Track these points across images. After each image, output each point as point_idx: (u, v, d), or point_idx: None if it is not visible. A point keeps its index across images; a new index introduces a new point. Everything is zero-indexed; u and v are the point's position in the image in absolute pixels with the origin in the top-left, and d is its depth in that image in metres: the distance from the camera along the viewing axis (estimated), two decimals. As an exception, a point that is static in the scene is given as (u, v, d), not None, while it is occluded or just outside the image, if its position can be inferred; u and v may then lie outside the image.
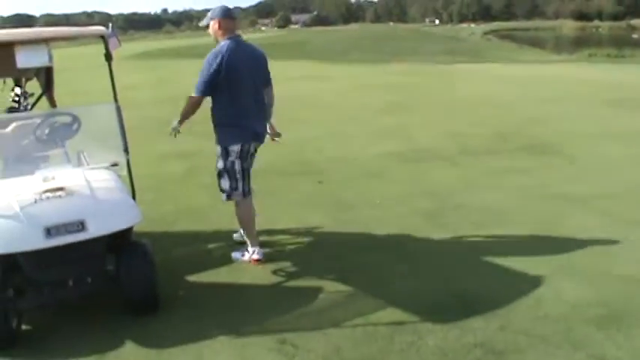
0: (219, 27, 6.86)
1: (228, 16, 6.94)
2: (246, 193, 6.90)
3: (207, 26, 6.99)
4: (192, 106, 6.91)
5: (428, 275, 6.49)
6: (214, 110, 6.93)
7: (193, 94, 6.82)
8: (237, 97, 6.76)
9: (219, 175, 6.93)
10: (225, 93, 6.73)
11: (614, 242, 7.19)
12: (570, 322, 5.40)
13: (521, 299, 5.82)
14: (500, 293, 5.97)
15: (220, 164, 6.90)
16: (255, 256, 6.86)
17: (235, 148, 6.79)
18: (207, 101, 6.84)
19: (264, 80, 7.11)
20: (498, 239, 7.43)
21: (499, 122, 15.09)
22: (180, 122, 6.99)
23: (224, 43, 6.78)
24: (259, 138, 7.03)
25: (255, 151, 7.06)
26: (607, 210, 8.35)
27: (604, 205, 8.53)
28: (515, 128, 14.28)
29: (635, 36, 77.66)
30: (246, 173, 6.88)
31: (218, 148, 6.93)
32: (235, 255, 7.05)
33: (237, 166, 6.82)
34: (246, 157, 6.87)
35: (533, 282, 6.17)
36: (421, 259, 6.94)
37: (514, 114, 16.38)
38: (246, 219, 6.97)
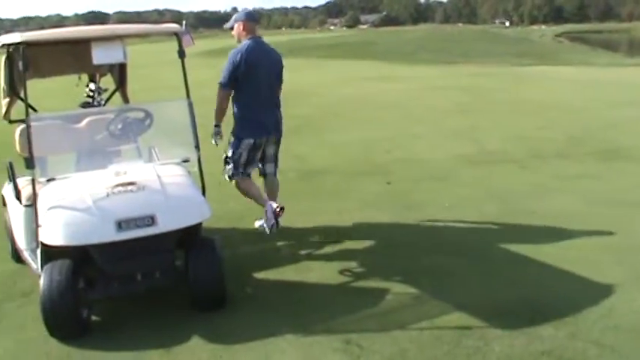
0: (243, 29, 7.61)
1: (251, 19, 7.75)
2: (246, 174, 7.69)
3: (232, 28, 7.73)
4: (220, 101, 7.66)
5: (496, 280, 6.39)
6: (234, 104, 7.66)
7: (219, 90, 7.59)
8: (254, 93, 7.50)
9: (226, 161, 7.67)
10: (244, 88, 7.48)
11: (689, 252, 7.00)
12: (643, 334, 5.28)
13: (591, 308, 5.69)
14: (570, 301, 5.84)
15: (230, 152, 7.62)
16: (273, 207, 7.41)
17: (247, 142, 7.53)
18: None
19: (278, 80, 7.86)
20: (568, 245, 7.26)
21: (570, 126, 14.84)
22: (218, 120, 7.67)
23: (245, 42, 7.50)
24: (271, 132, 7.71)
25: (276, 142, 7.88)
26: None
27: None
28: (587, 132, 14.03)
29: None
30: (250, 161, 7.64)
31: (232, 138, 7.65)
32: (258, 223, 7.74)
33: (244, 158, 7.58)
34: (255, 149, 7.61)
35: (605, 291, 6.02)
36: (489, 263, 6.85)
37: (585, 118, 16.06)
38: (249, 191, 7.73)
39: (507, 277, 6.45)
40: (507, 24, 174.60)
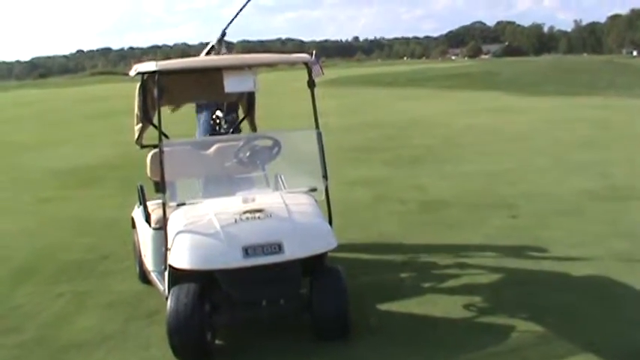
0: None
1: None
2: None
3: None
4: None
5: (626, 321, 6.15)
6: None
7: None
8: None
9: None
10: None
11: None
12: None
13: None
14: None
15: None
16: None
17: None
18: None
19: None
20: None
21: None
22: None
23: None
24: None
25: None
26: None
27: None
28: None
29: None
30: None
31: None
32: None
33: None
34: None
35: None
36: (618, 303, 6.61)
37: None
38: None
39: (636, 318, 6.20)
40: (635, 54, 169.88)
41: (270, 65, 8.22)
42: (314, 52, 6.77)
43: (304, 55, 6.70)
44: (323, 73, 6.75)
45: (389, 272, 7.63)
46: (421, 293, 6.94)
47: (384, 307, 6.65)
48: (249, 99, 8.10)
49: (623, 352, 5.54)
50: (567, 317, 6.26)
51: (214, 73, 6.59)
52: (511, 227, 9.34)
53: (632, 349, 5.58)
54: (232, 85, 6.29)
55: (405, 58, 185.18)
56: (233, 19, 8.14)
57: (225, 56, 6.92)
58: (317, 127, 6.46)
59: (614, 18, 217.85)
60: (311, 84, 6.46)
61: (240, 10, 8.28)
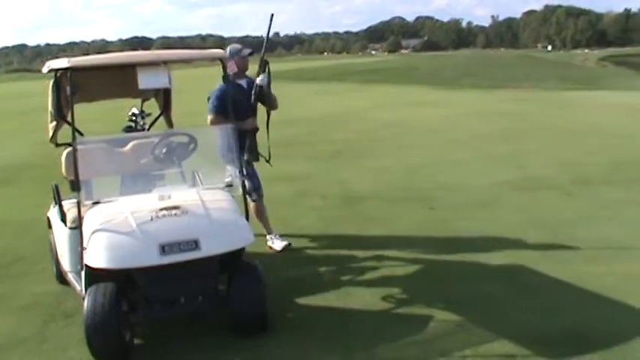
0: None
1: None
2: None
3: None
4: None
5: (541, 308, 6.30)
6: None
7: None
8: None
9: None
10: None
11: None
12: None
13: (639, 337, 5.58)
14: (616, 330, 5.74)
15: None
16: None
17: None
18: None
19: None
20: (614, 273, 7.12)
21: (615, 151, 14.65)
22: None
23: None
24: None
25: None
26: None
27: None
28: (633, 158, 13.80)
29: None
30: None
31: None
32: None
33: None
34: None
35: (653, 319, 5.91)
36: (533, 290, 6.77)
37: (631, 143, 15.83)
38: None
39: (552, 306, 6.35)
40: (549, 48, 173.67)
41: (185, 61, 8.15)
42: (228, 48, 6.76)
43: (218, 51, 6.69)
44: (237, 69, 6.73)
45: (308, 266, 7.66)
46: (340, 286, 6.98)
47: (303, 301, 6.67)
48: (165, 96, 8.02)
49: (538, 338, 5.64)
50: (484, 306, 6.37)
51: (129, 70, 6.50)
52: (429, 219, 9.46)
53: (546, 336, 5.70)
54: (146, 81, 6.23)
55: (326, 53, 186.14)
56: (266, 45, 7.95)
57: (139, 52, 6.84)
58: (232, 122, 6.45)
59: (530, 14, 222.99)
60: (226, 79, 6.45)
61: (268, 33, 8.23)
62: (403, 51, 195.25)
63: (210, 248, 5.44)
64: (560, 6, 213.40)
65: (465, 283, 6.95)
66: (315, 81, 44.72)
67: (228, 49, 7.88)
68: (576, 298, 6.57)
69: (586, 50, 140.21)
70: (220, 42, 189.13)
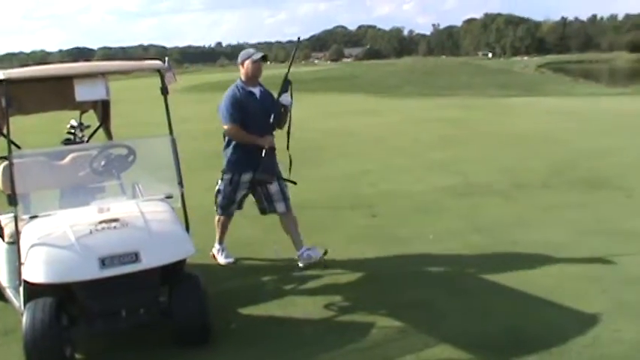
0: None
1: None
2: None
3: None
4: None
5: (481, 311, 6.40)
6: None
7: None
8: None
9: None
10: None
11: (674, 281, 7.04)
12: (629, 363, 5.29)
13: (576, 338, 5.70)
14: (555, 331, 5.86)
15: None
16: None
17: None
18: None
19: None
20: (553, 276, 7.28)
21: (554, 156, 14.93)
22: None
23: None
24: None
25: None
26: (666, 246, 8.18)
27: (664, 242, 8.36)
28: (571, 162, 14.10)
29: None
30: None
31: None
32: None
33: None
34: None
35: (590, 320, 6.04)
36: (474, 295, 6.86)
37: (569, 148, 16.17)
38: None
39: (492, 309, 6.46)
40: (490, 55, 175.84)
41: (123, 73, 8.06)
42: (167, 58, 6.72)
43: (157, 62, 6.63)
44: (176, 80, 6.69)
45: (250, 276, 7.64)
46: (282, 296, 6.99)
47: (245, 311, 6.67)
48: (104, 107, 7.95)
49: (478, 341, 5.74)
50: (425, 311, 6.44)
51: (67, 82, 6.43)
52: (371, 226, 9.52)
53: (486, 338, 5.79)
54: (83, 93, 6.19)
55: (269, 63, 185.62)
56: (290, 65, 8.16)
57: (76, 64, 6.78)
58: (171, 133, 6.42)
59: (470, 22, 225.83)
60: (164, 91, 6.42)
61: (294, 54, 8.55)
62: (346, 59, 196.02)
63: (150, 260, 5.41)
64: (499, 14, 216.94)
65: (406, 289, 7.01)
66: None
67: (240, 53, 8.10)
68: (515, 300, 6.69)
69: (525, 57, 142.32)
70: (162, 52, 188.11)
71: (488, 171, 13.46)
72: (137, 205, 6.00)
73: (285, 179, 8.08)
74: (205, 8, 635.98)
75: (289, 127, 8.08)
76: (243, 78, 7.89)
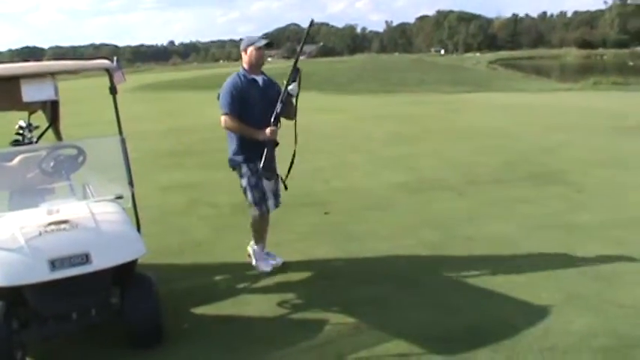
0: None
1: None
2: None
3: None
4: None
5: (434, 307, 6.45)
6: None
7: None
8: None
9: None
10: None
11: (621, 271, 7.19)
12: (578, 353, 5.38)
13: (528, 330, 5.79)
14: (508, 324, 5.93)
15: None
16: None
17: None
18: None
19: None
20: (505, 270, 7.35)
21: (505, 151, 15.10)
22: None
23: None
24: None
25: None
26: (614, 238, 8.33)
27: (611, 234, 8.52)
28: (522, 157, 14.29)
29: (630, 63, 79.46)
30: None
31: None
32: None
33: None
34: None
35: (541, 313, 6.14)
36: (427, 290, 6.90)
37: (520, 143, 16.38)
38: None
39: (445, 304, 6.51)
40: (442, 52, 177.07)
41: (71, 72, 7.96)
42: (116, 58, 6.66)
43: (105, 62, 6.57)
44: (125, 80, 6.62)
45: (203, 276, 7.61)
46: (235, 295, 6.97)
47: (199, 311, 6.64)
48: (53, 108, 7.86)
49: (432, 336, 5.78)
50: (379, 307, 6.47)
51: (14, 82, 6.34)
52: (324, 224, 9.54)
53: (440, 333, 5.84)
54: (31, 93, 6.10)
55: (222, 61, 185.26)
56: (299, 52, 7.93)
57: (23, 64, 6.66)
58: (120, 133, 6.37)
59: (423, 19, 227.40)
60: (113, 90, 6.37)
61: (305, 39, 8.21)
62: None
63: (101, 262, 5.35)
64: (452, 11, 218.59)
65: (360, 286, 7.02)
66: (210, 89, 44.28)
67: (243, 40, 7.61)
68: (468, 294, 6.77)
69: (477, 54, 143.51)
70: (114, 51, 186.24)
71: (441, 167, 13.57)
72: (87, 206, 5.94)
73: (281, 178, 7.78)
74: (158, 7, 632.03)
75: (295, 120, 7.79)
76: (245, 66, 7.52)
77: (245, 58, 7.51)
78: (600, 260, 7.53)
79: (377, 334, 5.88)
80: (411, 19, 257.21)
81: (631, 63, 79.96)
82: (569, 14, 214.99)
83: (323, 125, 21.33)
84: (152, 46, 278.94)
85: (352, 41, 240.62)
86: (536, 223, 9.11)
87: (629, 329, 5.76)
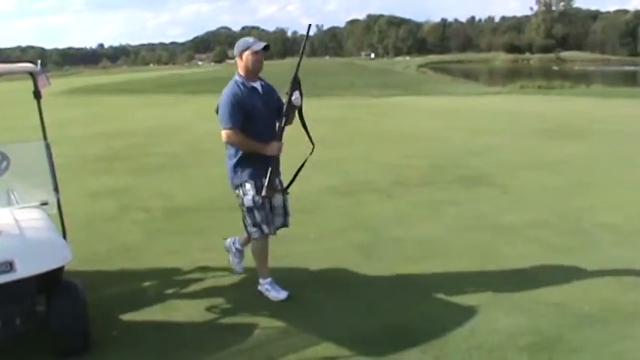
0: None
1: None
2: None
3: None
4: None
5: (362, 309, 6.50)
6: None
7: None
8: None
9: None
10: None
11: (545, 270, 7.38)
12: (504, 351, 5.49)
13: (455, 330, 5.89)
14: (435, 325, 6.02)
15: None
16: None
17: None
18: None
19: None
20: (433, 271, 7.47)
21: (433, 154, 15.31)
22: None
23: None
24: None
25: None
26: (539, 238, 8.54)
27: (536, 234, 8.72)
28: (450, 160, 14.50)
29: (555, 67, 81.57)
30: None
31: None
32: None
33: None
34: None
35: (468, 313, 6.25)
36: (356, 293, 6.96)
37: (448, 146, 16.63)
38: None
39: (374, 306, 6.57)
40: (373, 56, 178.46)
41: (-7, 75, 7.81)
42: (40, 61, 6.56)
43: (29, 65, 6.43)
44: (49, 84, 6.53)
45: (132, 282, 7.52)
46: (165, 300, 6.92)
47: (127, 317, 6.57)
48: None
49: (360, 338, 5.84)
50: (307, 310, 6.51)
51: None
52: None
53: (368, 335, 5.91)
54: None
55: (152, 65, 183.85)
56: (300, 61, 7.31)
57: None
58: (45, 138, 6.29)
59: (353, 23, 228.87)
60: (37, 95, 6.27)
61: (304, 46, 7.59)
62: (229, 61, 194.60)
63: (25, 269, 5.26)
64: (382, 15, 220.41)
65: (288, 289, 6.99)
66: (141, 93, 43.95)
67: (237, 43, 7.17)
68: (396, 295, 6.84)
69: (407, 58, 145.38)
70: (42, 54, 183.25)
71: (370, 169, 13.68)
72: (11, 213, 5.85)
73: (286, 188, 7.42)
74: (87, 9, 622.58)
75: (304, 124, 7.44)
76: (242, 72, 6.97)
77: (241, 63, 6.98)
78: (524, 260, 7.71)
79: (306, 337, 5.91)
80: (342, 23, 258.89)
81: (555, 67, 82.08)
82: (496, 19, 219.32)
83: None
84: (81, 48, 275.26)
85: (283, 45, 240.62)
86: (464, 225, 9.27)
87: (552, 327, 5.92)
